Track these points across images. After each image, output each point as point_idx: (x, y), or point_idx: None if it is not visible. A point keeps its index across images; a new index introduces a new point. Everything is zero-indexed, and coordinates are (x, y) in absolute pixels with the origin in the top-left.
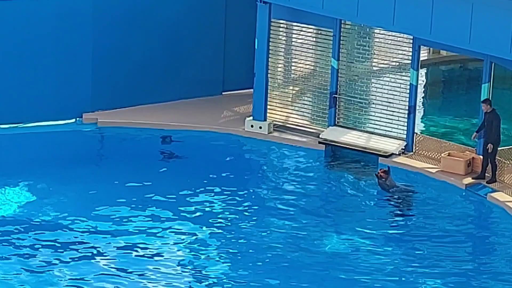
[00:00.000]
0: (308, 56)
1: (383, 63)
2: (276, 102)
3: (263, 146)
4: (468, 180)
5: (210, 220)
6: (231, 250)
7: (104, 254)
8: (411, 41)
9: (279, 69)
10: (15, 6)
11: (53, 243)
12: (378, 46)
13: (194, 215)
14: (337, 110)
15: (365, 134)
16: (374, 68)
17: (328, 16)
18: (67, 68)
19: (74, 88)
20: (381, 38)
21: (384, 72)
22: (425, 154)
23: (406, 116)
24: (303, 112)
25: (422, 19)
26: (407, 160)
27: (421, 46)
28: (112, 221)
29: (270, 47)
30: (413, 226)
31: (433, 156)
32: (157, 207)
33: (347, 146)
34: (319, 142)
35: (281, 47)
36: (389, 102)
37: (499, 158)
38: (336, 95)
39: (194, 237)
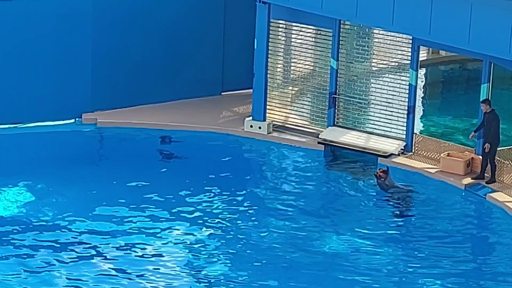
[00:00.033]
0: (308, 56)
1: (382, 63)
2: (275, 102)
3: (263, 146)
4: (468, 180)
5: (209, 221)
6: (230, 251)
7: (103, 254)
8: (410, 41)
9: (278, 69)
10: (15, 6)
11: (52, 243)
12: (377, 46)
13: (193, 216)
14: (336, 110)
15: (364, 134)
16: (374, 68)
17: (327, 16)
18: (66, 68)
19: (73, 88)
20: (380, 38)
21: (383, 72)
22: (424, 154)
23: (405, 116)
24: (303, 112)
25: (421, 19)
26: (406, 160)
27: (421, 46)
28: (112, 221)
29: (270, 47)
30: (412, 227)
31: (432, 156)
32: (157, 207)
33: (347, 146)
34: (319, 142)
35: (281, 47)
36: (389, 102)
37: (499, 158)
38: (335, 95)
39: (194, 238)
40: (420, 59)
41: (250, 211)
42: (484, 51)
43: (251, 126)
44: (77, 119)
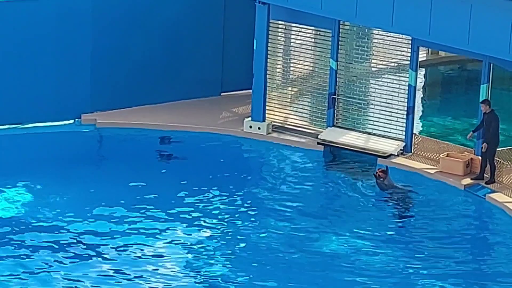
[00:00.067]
0: (307, 57)
1: (381, 64)
2: (274, 103)
3: (262, 147)
4: (467, 180)
5: (208, 221)
6: (229, 252)
7: (103, 255)
8: (410, 41)
9: (277, 70)
10: (14, 7)
11: (51, 244)
12: (377, 47)
13: (192, 216)
14: (335, 110)
15: (363, 135)
16: (373, 69)
17: (327, 17)
18: (66, 68)
19: (73, 89)
20: (380, 39)
21: (382, 73)
22: (423, 154)
23: (405, 116)
24: (302, 112)
25: (421, 19)
26: (405, 161)
27: (420, 47)
28: (111, 222)
29: (269, 48)
30: (411, 227)
31: (431, 156)
32: (156, 208)
33: (346, 147)
34: (318, 143)
35: (280, 48)
36: (388, 103)
37: (498, 159)
38: (334, 96)
39: (193, 238)
40: (420, 59)
41: (249, 212)
42: (483, 51)
43: (251, 127)
44: (76, 119)
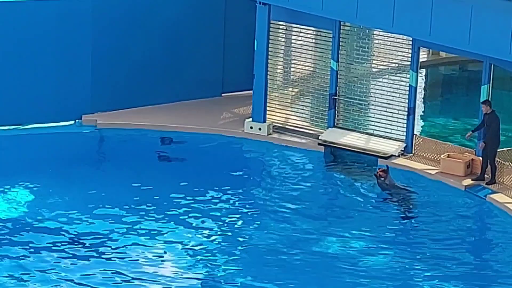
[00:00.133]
0: (308, 58)
1: (382, 65)
2: (275, 104)
3: (263, 148)
4: (468, 181)
5: (209, 222)
6: (230, 253)
7: (102, 256)
8: (411, 42)
9: (278, 71)
10: (14, 7)
11: (50, 245)
12: (378, 47)
13: (192, 217)
14: (336, 111)
15: (364, 135)
16: (374, 70)
17: (328, 18)
18: (66, 69)
19: (73, 90)
20: (381, 40)
21: (383, 73)
22: (424, 155)
23: (405, 117)
24: (303, 113)
25: (421, 20)
26: (406, 162)
27: (421, 48)
28: (111, 222)
29: (270, 49)
30: (412, 228)
31: (432, 157)
32: (156, 209)
33: (347, 148)
34: (319, 144)
35: (281, 49)
36: (389, 104)
37: (499, 160)
38: (335, 97)
39: (193, 239)
40: (420, 60)
41: (250, 213)
42: (484, 52)
43: (251, 127)
44: (77, 120)
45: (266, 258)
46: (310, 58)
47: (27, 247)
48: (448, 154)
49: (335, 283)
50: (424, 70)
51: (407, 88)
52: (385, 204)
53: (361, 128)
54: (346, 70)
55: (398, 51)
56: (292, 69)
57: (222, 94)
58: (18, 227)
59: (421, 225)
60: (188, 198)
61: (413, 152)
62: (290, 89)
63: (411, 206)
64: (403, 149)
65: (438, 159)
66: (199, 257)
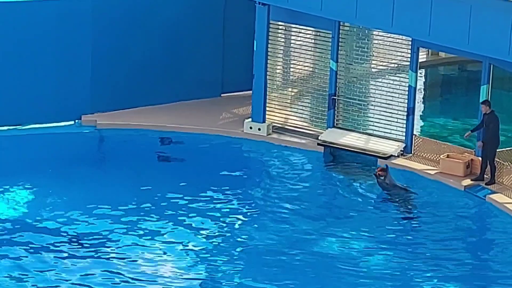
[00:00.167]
0: (307, 58)
1: (382, 65)
2: (275, 104)
3: (262, 148)
4: (467, 181)
5: (208, 223)
6: (229, 253)
7: (102, 257)
8: (410, 42)
9: (278, 71)
10: (14, 7)
11: (51, 245)
12: (377, 47)
13: (192, 217)
14: (336, 111)
15: (364, 135)
16: (373, 70)
17: (327, 18)
18: (66, 69)
19: (73, 90)
20: (380, 40)
21: (383, 73)
22: (424, 155)
23: (405, 117)
24: (302, 113)
25: (420, 20)
26: (406, 162)
27: (420, 48)
28: (110, 223)
29: (269, 49)
30: (412, 228)
31: (432, 157)
32: (155, 209)
33: (346, 148)
34: (318, 144)
35: (280, 49)
36: (388, 104)
37: (498, 160)
38: (335, 97)
39: (192, 240)
40: (420, 60)
41: (249, 213)
42: (483, 52)
43: (251, 128)
44: (76, 120)
45: (265, 258)
46: (310, 59)
47: (27, 247)
48: (448, 155)
49: (334, 284)
50: (423, 70)
51: (407, 88)
52: (385, 204)
53: (361, 128)
54: (346, 70)
55: (398, 51)
56: (291, 69)
57: (222, 95)
58: (18, 227)
59: (420, 225)
60: (187, 198)
61: (412, 152)
62: (290, 89)
63: (410, 207)
64: (402, 149)
65: (437, 159)
66: (198, 258)
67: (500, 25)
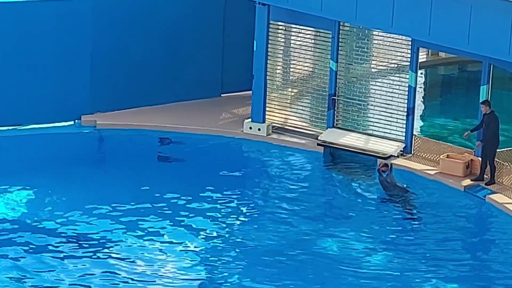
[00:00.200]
0: (307, 58)
1: (381, 65)
2: (274, 104)
3: (262, 148)
4: (467, 182)
5: (208, 223)
6: (228, 254)
7: (101, 257)
8: (410, 43)
9: (277, 71)
10: (14, 7)
11: (50, 245)
12: (377, 48)
13: (191, 218)
14: (335, 112)
15: (363, 136)
16: (373, 70)
17: (327, 18)
18: (66, 69)
19: (73, 90)
20: (380, 40)
21: (382, 74)
22: (423, 156)
23: (404, 118)
24: (302, 114)
25: (420, 21)
26: (405, 162)
27: (420, 48)
28: (110, 223)
29: (269, 49)
30: (412, 229)
31: (431, 158)
32: (155, 210)
33: (346, 148)
34: (318, 144)
35: (280, 49)
36: (388, 104)
37: (498, 160)
38: (334, 97)
39: (192, 240)
40: (420, 60)
41: (249, 214)
42: (483, 52)
43: (251, 128)
44: (76, 121)
45: (265, 258)
46: (310, 59)
47: (26, 247)
48: (448, 155)
49: (334, 284)
50: (423, 70)
51: (407, 89)
52: (385, 205)
53: (361, 129)
54: (346, 70)
55: (398, 51)
56: (291, 69)
57: (222, 95)
58: (17, 227)
59: (420, 225)
60: (187, 198)
61: (412, 152)
62: (290, 89)
63: (410, 207)
64: (402, 149)
65: (437, 159)
66: (198, 258)
67: (500, 25)
